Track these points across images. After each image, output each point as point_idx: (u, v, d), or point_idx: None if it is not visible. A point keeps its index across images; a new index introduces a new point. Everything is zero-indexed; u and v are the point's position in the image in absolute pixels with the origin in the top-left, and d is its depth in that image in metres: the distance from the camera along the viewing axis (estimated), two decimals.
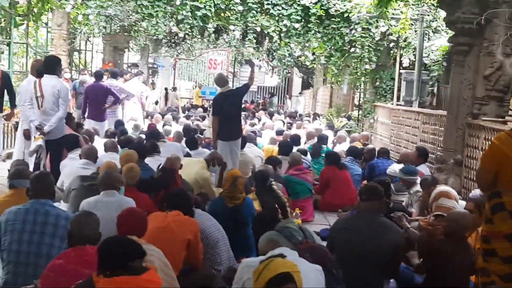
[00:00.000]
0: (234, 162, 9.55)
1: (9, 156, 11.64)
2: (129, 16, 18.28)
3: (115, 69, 16.29)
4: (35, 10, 14.56)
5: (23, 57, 18.60)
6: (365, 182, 9.36)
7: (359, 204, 5.56)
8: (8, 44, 15.24)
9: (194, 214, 5.66)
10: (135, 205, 5.71)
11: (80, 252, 4.22)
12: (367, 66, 16.69)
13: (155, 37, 22.28)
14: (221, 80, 10.13)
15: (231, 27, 17.55)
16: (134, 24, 19.37)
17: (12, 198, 5.70)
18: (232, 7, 15.04)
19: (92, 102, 12.95)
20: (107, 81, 13.97)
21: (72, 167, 7.75)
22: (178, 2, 14.94)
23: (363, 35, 16.22)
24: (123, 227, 4.59)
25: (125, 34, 20.43)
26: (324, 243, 5.33)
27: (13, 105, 10.46)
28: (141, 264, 3.77)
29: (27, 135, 9.17)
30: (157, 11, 15.51)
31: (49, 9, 16.07)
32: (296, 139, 12.12)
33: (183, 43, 26.82)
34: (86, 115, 13.00)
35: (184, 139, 11.24)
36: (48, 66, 8.83)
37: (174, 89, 29.90)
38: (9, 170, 6.82)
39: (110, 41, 20.63)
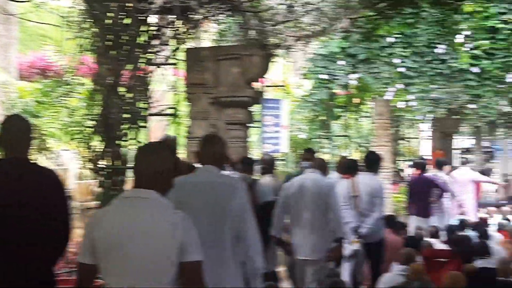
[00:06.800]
0: None
1: None
2: (456, 98, 17.90)
3: (441, 158, 16.18)
4: (355, 100, 16.00)
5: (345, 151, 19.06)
6: None
7: None
8: (329, 138, 16.03)
9: None
10: None
11: None
12: None
13: (486, 119, 22.04)
14: None
15: None
16: (462, 106, 19.44)
17: None
18: None
19: (416, 196, 13.00)
20: (431, 172, 13.85)
21: (389, 274, 7.95)
22: (509, 79, 13.80)
23: None
24: None
25: (454, 117, 21.39)
26: None
27: None
28: None
29: None
30: (486, 90, 14.39)
31: (369, 99, 16.86)
32: None
33: None
34: (410, 211, 13.17)
35: None
36: (368, 162, 9.31)
37: None
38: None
39: (438, 126, 22.19)
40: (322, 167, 8.34)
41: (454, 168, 17.28)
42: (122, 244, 3.57)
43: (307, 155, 8.69)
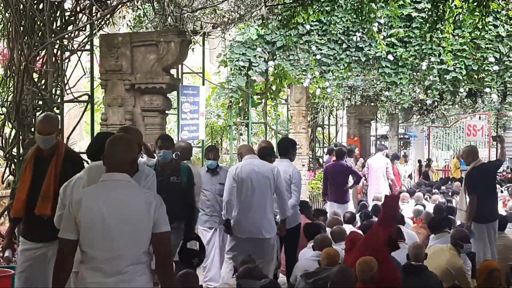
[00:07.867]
0: (492, 249, 9.57)
1: None
2: (373, 85, 19.99)
3: (352, 145, 17.67)
4: (273, 87, 17.05)
5: (263, 137, 19.91)
6: None
7: None
8: (247, 125, 16.36)
9: None
10: None
11: None
12: None
13: (400, 106, 24.27)
14: (473, 153, 10.30)
15: (487, 90, 17.62)
16: (379, 93, 21.70)
17: None
18: (486, 68, 14.17)
19: (333, 183, 13.62)
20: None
21: (304, 260, 8.08)
22: (424, 67, 14.22)
23: None
24: None
25: (371, 104, 23.36)
26: None
27: None
28: None
29: None
30: (401, 78, 14.59)
31: (287, 86, 18.04)
32: None
33: (436, 109, 27.87)
34: (327, 197, 13.94)
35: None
36: (281, 148, 9.64)
37: (429, 160, 29.73)
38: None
39: (354, 113, 23.46)
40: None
41: (372, 155, 17.77)
42: (104, 220, 4.30)
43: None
